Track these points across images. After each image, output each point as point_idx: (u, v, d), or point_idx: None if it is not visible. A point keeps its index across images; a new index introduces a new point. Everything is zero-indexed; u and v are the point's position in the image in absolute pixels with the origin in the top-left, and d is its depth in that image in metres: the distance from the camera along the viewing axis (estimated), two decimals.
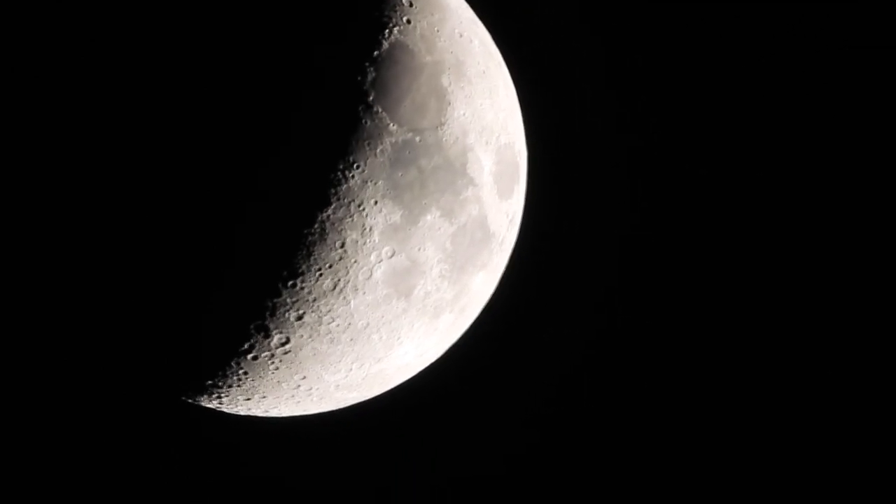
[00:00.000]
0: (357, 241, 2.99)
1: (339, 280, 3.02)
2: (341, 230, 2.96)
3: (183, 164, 2.80)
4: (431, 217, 3.10)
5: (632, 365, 4.73)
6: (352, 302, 3.07)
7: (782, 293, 4.60)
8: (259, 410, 3.45)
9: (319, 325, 3.08)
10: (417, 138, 3.02)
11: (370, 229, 2.99)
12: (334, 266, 3.00)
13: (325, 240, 2.95)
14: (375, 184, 2.96)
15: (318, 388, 3.33)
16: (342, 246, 2.98)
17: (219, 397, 3.35)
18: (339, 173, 2.91)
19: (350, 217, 2.95)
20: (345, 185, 2.92)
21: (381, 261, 3.05)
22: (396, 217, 3.02)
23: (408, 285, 3.16)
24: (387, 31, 3.04)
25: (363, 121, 2.92)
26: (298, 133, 2.84)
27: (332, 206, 2.92)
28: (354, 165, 2.93)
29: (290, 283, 2.97)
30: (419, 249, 3.12)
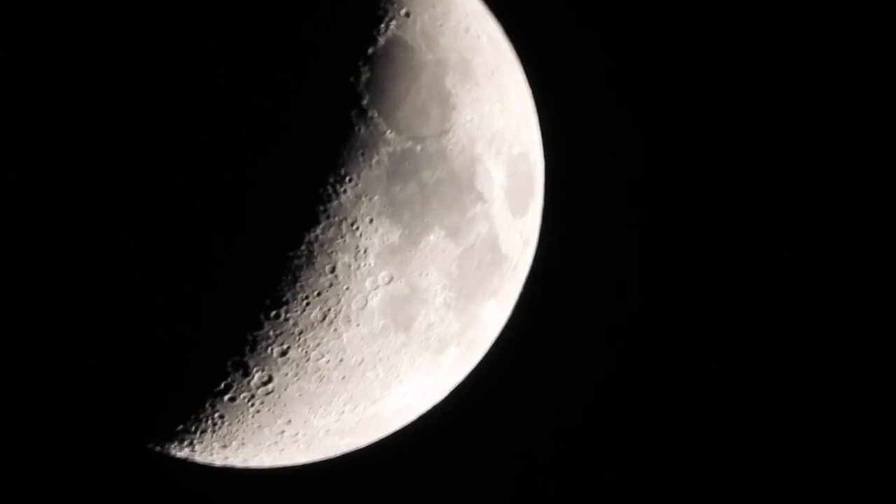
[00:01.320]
0: (350, 266, 3.00)
1: (328, 310, 3.02)
2: (331, 253, 2.97)
3: (147, 174, 2.81)
4: (434, 237, 3.11)
5: (662, 411, 4.93)
6: (344, 335, 3.08)
7: (807, 300, 4.87)
8: (237, 460, 3.45)
9: (307, 361, 3.10)
10: (418, 147, 3.04)
11: (364, 251, 3.00)
12: (323, 294, 3.00)
13: (313, 264, 2.96)
14: (370, 199, 2.98)
15: (305, 434, 3.33)
16: (332, 271, 2.99)
17: (191, 445, 3.34)
18: (328, 188, 2.92)
19: (341, 238, 2.97)
20: (335, 202, 2.93)
21: (378, 287, 3.06)
22: (395, 237, 3.03)
23: (408, 316, 3.17)
24: (382, 25, 3.06)
25: (356, 128, 2.94)
26: (281, 142, 2.85)
27: (321, 226, 2.93)
28: (346, 179, 2.94)
29: (273, 313, 2.98)
30: (420, 274, 3.13)
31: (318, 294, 3.00)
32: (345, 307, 3.03)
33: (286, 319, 3.00)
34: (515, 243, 3.45)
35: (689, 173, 4.78)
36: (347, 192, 2.94)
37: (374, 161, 2.96)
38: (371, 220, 2.99)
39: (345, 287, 3.02)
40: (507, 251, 3.40)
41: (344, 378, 3.18)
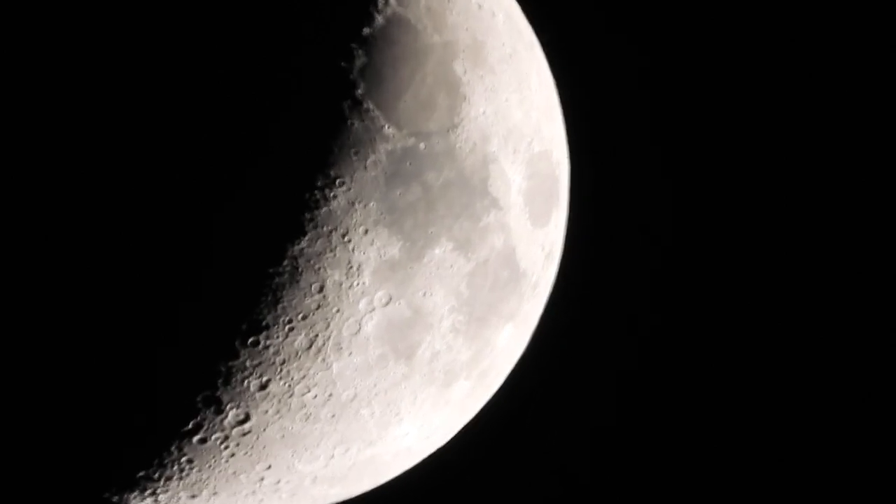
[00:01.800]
0: (341, 284, 2.98)
1: (316, 336, 3.00)
2: (319, 269, 2.94)
3: (99, 177, 2.76)
4: (441, 251, 3.10)
5: (697, 453, 5.07)
6: (334, 366, 3.07)
7: (838, 306, 5.09)
8: None
9: (290, 396, 3.07)
10: (422, 145, 3.02)
11: (358, 268, 2.98)
12: (310, 317, 2.98)
13: (298, 282, 2.93)
14: (365, 206, 2.95)
15: (288, 482, 3.31)
16: (320, 290, 2.96)
17: (154, 495, 3.27)
18: (315, 193, 2.89)
19: (331, 251, 2.94)
20: (324, 209, 2.90)
21: (373, 310, 3.05)
22: (394, 251, 3.01)
23: (409, 343, 3.17)
24: (381, 0, 3.04)
25: (349, 122, 2.91)
26: (259, 139, 2.82)
27: (307, 237, 2.90)
28: (337, 182, 2.91)
29: (251, 340, 2.95)
30: (424, 294, 3.12)
31: (304, 317, 2.97)
32: (335, 333, 3.02)
33: (266, 347, 2.97)
34: (536, 258, 3.45)
35: (734, 174, 4.95)
36: (338, 198, 2.91)
37: (369, 161, 2.93)
38: (366, 231, 2.96)
39: (335, 309, 2.99)
40: (525, 267, 3.41)
41: (334, 416, 3.16)
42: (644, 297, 4.86)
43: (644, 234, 4.82)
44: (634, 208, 4.81)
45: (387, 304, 3.04)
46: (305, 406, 3.08)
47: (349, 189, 2.90)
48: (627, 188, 4.75)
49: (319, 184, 2.87)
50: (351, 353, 3.04)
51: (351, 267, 2.95)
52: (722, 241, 4.86)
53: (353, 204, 2.91)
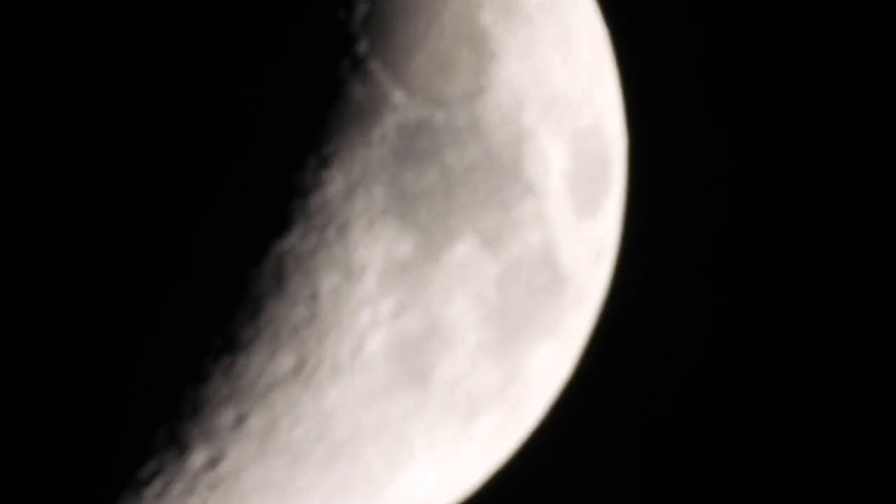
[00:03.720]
0: (339, 290, 2.94)
1: (307, 356, 2.96)
2: (311, 272, 2.91)
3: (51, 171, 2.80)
4: (464, 249, 3.07)
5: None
6: (329, 393, 3.01)
7: None
8: None
9: (274, 432, 3.03)
10: (440, 116, 3.00)
11: (361, 270, 2.95)
12: (300, 332, 2.94)
13: (285, 288, 2.90)
14: (369, 193, 2.93)
15: None
16: (313, 298, 2.92)
17: None
18: (306, 175, 2.87)
19: (326, 249, 2.91)
20: (317, 196, 2.89)
21: (380, 323, 3.01)
22: (405, 248, 2.99)
23: (424, 365, 3.12)
24: None
25: (348, 87, 2.90)
26: (236, 109, 2.81)
27: (296, 232, 2.88)
28: (333, 162, 2.89)
29: (225, 360, 2.91)
30: (443, 303, 3.09)
31: (293, 332, 2.93)
32: (331, 352, 2.97)
33: (244, 370, 2.93)
34: (582, 257, 3.44)
35: (822, 160, 5.18)
36: (335, 182, 2.89)
37: (374, 136, 2.92)
38: (370, 224, 2.94)
39: (331, 322, 2.95)
40: (570, 269, 3.39)
41: (330, 457, 3.12)
42: (719, 308, 5.00)
43: (720, 228, 4.98)
44: (708, 196, 4.97)
45: (396, 315, 3.01)
46: (293, 445, 3.04)
47: (349, 171, 2.89)
48: (699, 171, 4.91)
49: (311, 164, 2.85)
50: (352, 378, 3.01)
51: (351, 269, 2.92)
52: (820, 236, 5.13)
53: (353, 190, 2.90)
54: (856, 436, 5.47)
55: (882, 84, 5.33)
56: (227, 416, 2.98)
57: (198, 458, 3.02)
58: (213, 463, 3.05)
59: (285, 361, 2.93)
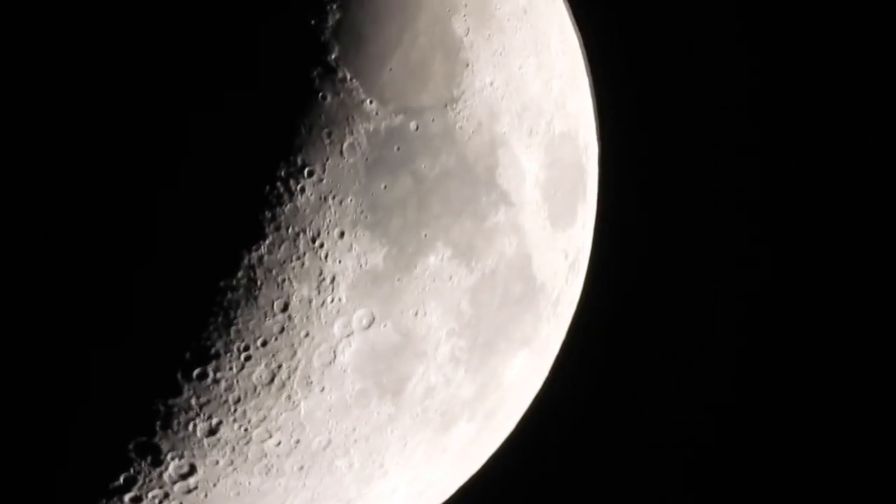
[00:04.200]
0: (310, 301, 2.99)
1: (279, 367, 3.01)
2: (283, 282, 2.95)
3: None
4: (437, 259, 3.12)
5: None
6: (301, 405, 3.07)
7: None
8: None
9: (246, 443, 3.08)
10: (413, 125, 3.04)
11: (332, 280, 2.99)
12: (271, 343, 2.99)
13: (256, 298, 2.93)
14: (341, 202, 2.96)
15: None
16: (284, 309, 2.96)
17: None
18: (278, 185, 2.90)
19: (298, 260, 2.95)
20: (288, 206, 2.92)
21: (352, 334, 3.06)
22: (377, 259, 3.03)
23: (397, 376, 3.18)
24: None
25: (320, 95, 2.93)
26: (209, 117, 2.83)
27: (268, 242, 2.91)
28: (305, 172, 2.93)
29: (196, 372, 2.96)
30: (416, 314, 3.14)
31: (264, 344, 2.97)
32: (303, 363, 3.03)
33: (216, 381, 2.98)
34: (557, 267, 3.49)
35: (801, 169, 5.20)
36: (306, 192, 2.93)
37: (346, 145, 2.95)
38: (342, 234, 2.98)
39: (303, 333, 3.01)
40: (544, 279, 3.44)
41: (302, 468, 3.17)
42: (695, 317, 5.01)
43: (696, 236, 4.98)
44: (683, 204, 4.96)
45: (368, 326, 3.05)
46: (266, 456, 3.08)
47: (320, 180, 2.92)
48: (674, 179, 4.90)
49: (283, 174, 2.87)
50: (323, 389, 3.05)
51: (323, 279, 2.96)
52: (804, 242, 5.14)
53: (325, 199, 2.92)
54: (859, 436, 5.54)
55: (871, 81, 5.39)
56: (199, 428, 2.99)
57: (171, 468, 3.04)
58: (186, 473, 3.06)
59: (257, 372, 2.96)
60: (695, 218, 5.04)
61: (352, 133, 2.94)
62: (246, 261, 2.88)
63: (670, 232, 4.92)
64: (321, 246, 2.95)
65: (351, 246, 2.97)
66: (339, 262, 2.97)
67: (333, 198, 2.94)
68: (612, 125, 3.72)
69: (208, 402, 2.98)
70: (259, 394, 3.00)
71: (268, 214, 2.88)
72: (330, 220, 2.95)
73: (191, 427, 3.00)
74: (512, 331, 3.38)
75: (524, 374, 3.54)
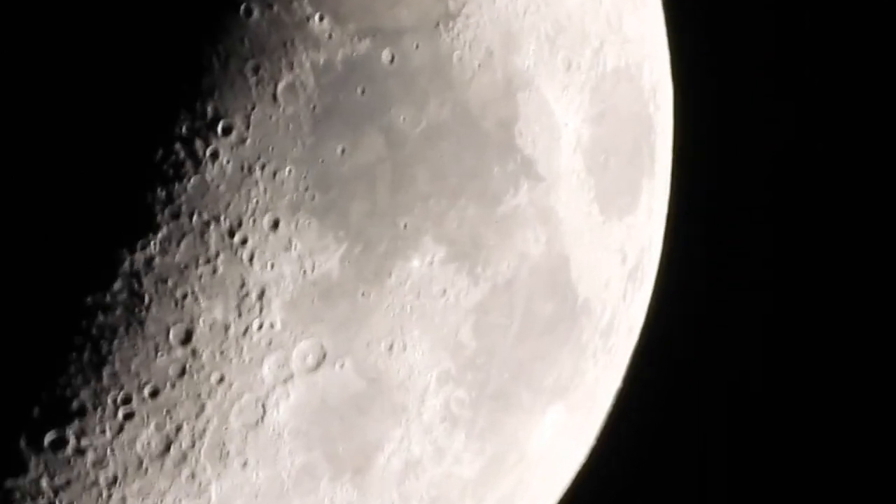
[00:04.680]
0: (226, 328, 2.88)
1: (177, 430, 2.91)
2: (184, 298, 2.84)
3: None
4: (423, 263, 3.04)
5: None
6: (212, 489, 2.97)
7: None
8: None
9: None
10: (386, 55, 2.94)
11: (260, 295, 2.88)
12: (165, 393, 2.88)
13: (142, 324, 2.82)
14: (274, 175, 2.87)
15: None
16: (186, 340, 2.85)
17: None
18: (176, 149, 2.79)
19: (207, 264, 2.84)
20: (192, 181, 2.81)
21: (291, 378, 2.95)
22: (331, 262, 2.93)
23: (360, 444, 3.10)
24: None
25: (242, 8, 2.84)
26: (73, 47, 2.75)
27: (160, 236, 2.81)
28: (219, 128, 2.81)
29: (50, 438, 2.85)
30: (392, 348, 3.04)
31: (154, 394, 2.86)
32: (214, 424, 2.92)
33: (79, 452, 2.86)
34: (610, 276, 3.47)
35: None
36: (220, 160, 2.81)
37: (282, 86, 2.84)
38: (275, 224, 2.87)
39: (214, 377, 2.88)
40: (589, 294, 3.40)
41: None
42: (822, 358, 5.11)
43: (824, 235, 5.12)
44: (801, 188, 5.08)
45: (316, 366, 2.94)
46: None
47: (242, 141, 2.80)
48: (783, 149, 4.95)
49: (183, 131, 2.76)
50: (246, 464, 2.95)
51: (246, 294, 2.85)
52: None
53: (249, 171, 2.81)
54: None
55: None
56: None
57: None
58: None
59: (143, 439, 2.84)
60: (824, 210, 5.30)
61: (291, 68, 2.82)
62: (126, 265, 2.76)
63: (783, 225, 5.03)
64: (243, 242, 2.82)
65: (290, 242, 2.86)
66: (272, 267, 2.85)
67: (262, 168, 2.82)
68: (695, 58, 3.58)
69: (68, 483, 2.87)
70: (146, 471, 2.89)
71: (160, 194, 2.76)
72: (257, 203, 2.82)
73: None
74: (539, 374, 3.30)
75: (558, 441, 3.53)
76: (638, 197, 3.51)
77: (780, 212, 5.57)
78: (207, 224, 2.79)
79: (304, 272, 2.87)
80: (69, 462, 2.84)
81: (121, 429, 2.82)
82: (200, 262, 2.81)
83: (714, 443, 5.36)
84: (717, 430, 5.39)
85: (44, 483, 2.84)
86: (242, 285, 2.84)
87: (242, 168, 2.79)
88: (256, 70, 2.79)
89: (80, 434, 2.82)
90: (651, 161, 3.57)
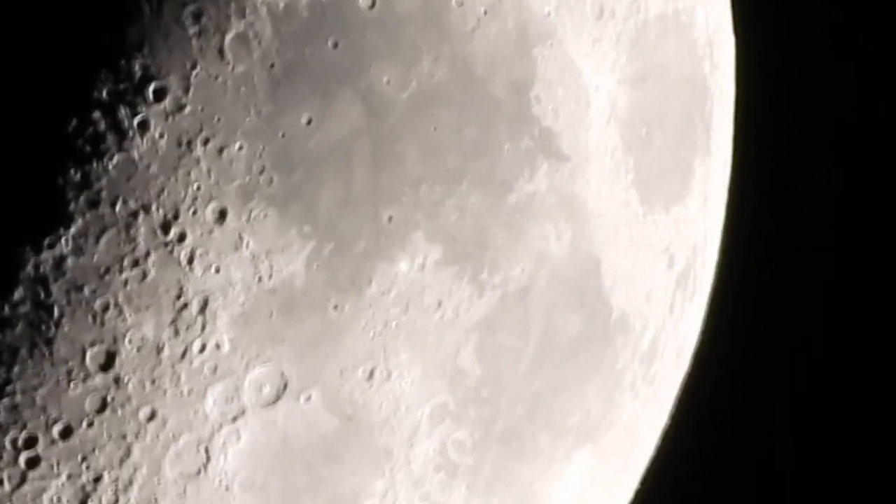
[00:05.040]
0: (159, 349, 2.87)
1: (95, 482, 2.91)
2: (104, 311, 2.83)
3: None
4: (413, 266, 3.03)
5: None
6: None
7: None
8: None
9: None
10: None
11: (203, 307, 2.89)
12: (80, 433, 2.87)
13: (50, 343, 2.81)
14: (221, 153, 2.86)
15: None
16: (107, 364, 2.84)
17: None
18: (95, 119, 2.77)
19: (136, 267, 2.84)
20: (114, 160, 2.79)
21: (242, 414, 2.95)
22: (294, 265, 2.93)
23: (331, 500, 3.10)
24: None
25: None
26: None
27: (73, 231, 2.80)
28: (150, 91, 2.79)
29: None
30: (372, 376, 3.04)
31: (65, 433, 2.86)
32: (143, 473, 2.91)
33: None
34: (653, 283, 3.47)
35: None
36: (152, 133, 2.79)
37: (230, 37, 2.83)
38: (221, 215, 2.86)
39: (143, 413, 2.89)
40: (627, 307, 3.39)
41: None
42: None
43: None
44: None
45: (275, 399, 2.93)
46: None
47: (180, 108, 2.79)
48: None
49: (104, 96, 2.75)
50: None
51: (184, 306, 2.85)
52: None
53: (188, 147, 2.80)
54: None
55: None
56: None
57: None
58: None
59: (51, 494, 2.85)
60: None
61: (242, 14, 2.81)
62: (29, 269, 2.76)
63: (871, 219, 5.04)
64: (181, 239, 2.81)
65: (240, 239, 2.83)
66: (217, 271, 2.83)
67: (206, 144, 2.80)
68: (760, 8, 3.52)
69: None
70: None
71: (73, 177, 2.74)
72: (199, 189, 2.81)
73: None
74: (562, 410, 3.27)
75: (586, 495, 3.57)
76: (689, 182, 3.47)
77: (868, 201, 5.50)
78: (135, 215, 2.75)
79: (260, 278, 2.84)
80: None
81: (22, 479, 2.81)
82: (126, 264, 2.77)
83: (784, 498, 5.32)
84: (786, 479, 5.33)
85: None
86: (180, 295, 2.81)
87: (180, 143, 2.76)
88: (198, 17, 2.77)
89: None
90: (706, 135, 3.57)
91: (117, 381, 2.80)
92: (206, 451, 2.87)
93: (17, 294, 2.73)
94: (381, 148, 2.88)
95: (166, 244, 2.78)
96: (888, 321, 5.95)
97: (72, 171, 2.71)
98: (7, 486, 2.83)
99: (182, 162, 2.76)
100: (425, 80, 2.91)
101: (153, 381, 2.82)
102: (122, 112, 2.72)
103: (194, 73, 2.75)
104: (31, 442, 2.78)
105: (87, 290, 2.76)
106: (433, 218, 2.95)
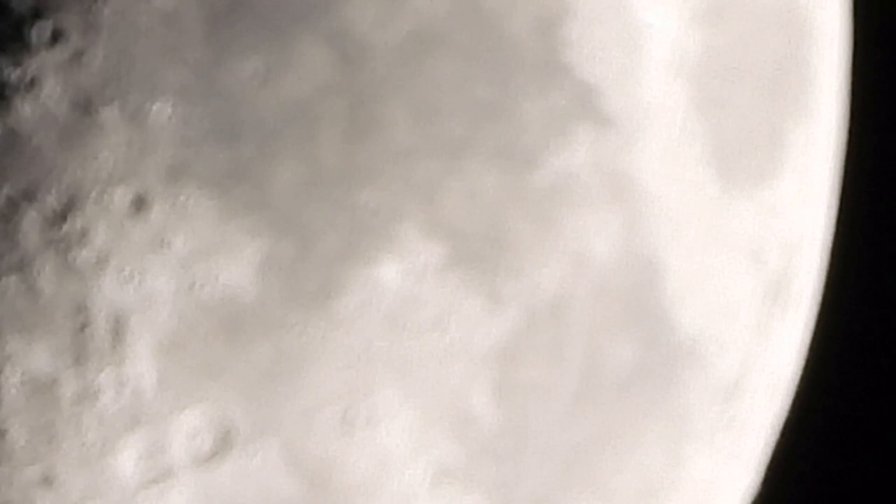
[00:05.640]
0: (54, 384, 2.78)
1: None
2: None
3: None
4: (400, 272, 2.90)
5: None
6: None
7: None
8: None
9: None
10: None
11: (116, 328, 2.78)
12: None
13: None
14: (135, 119, 2.76)
15: None
16: None
17: None
18: None
19: (17, 273, 2.75)
20: None
21: (170, 474, 2.86)
22: (240, 272, 2.82)
23: None
24: None
25: None
26: None
27: None
28: (39, 36, 2.74)
29: None
30: (348, 419, 2.93)
31: None
32: None
33: None
34: (735, 293, 3.31)
35: None
36: (44, 91, 2.71)
37: None
38: (140, 204, 2.77)
39: (34, 473, 2.81)
40: (699, 327, 3.24)
41: None
42: None
43: None
44: None
45: (216, 452, 2.85)
46: None
47: (79, 56, 2.69)
48: None
49: None
50: None
51: (87, 325, 2.77)
52: None
53: (91, 111, 2.71)
54: None
55: None
56: None
57: None
58: None
59: None
60: None
61: None
62: None
63: None
64: (82, 237, 2.71)
65: (165, 237, 2.72)
66: (136, 280, 2.75)
67: (116, 107, 2.69)
68: None
69: None
70: None
71: None
72: (111, 166, 2.71)
73: None
74: (609, 467, 3.19)
75: None
76: (783, 156, 3.32)
77: None
78: (16, 204, 2.70)
79: (193, 289, 2.78)
80: None
81: None
82: (4, 269, 2.71)
83: None
84: None
85: None
86: (81, 312, 2.73)
87: (81, 105, 2.70)
88: None
89: None
90: (806, 92, 3.23)
91: (4, 442, 2.85)
92: None
93: None
94: (358, 110, 2.80)
95: (60, 243, 2.71)
96: None
97: None
98: None
99: (85, 131, 2.69)
100: (419, 18, 2.82)
101: (46, 432, 2.78)
102: (2, 62, 2.69)
103: (102, 9, 2.68)
104: None
105: None
106: (429, 205, 2.85)
